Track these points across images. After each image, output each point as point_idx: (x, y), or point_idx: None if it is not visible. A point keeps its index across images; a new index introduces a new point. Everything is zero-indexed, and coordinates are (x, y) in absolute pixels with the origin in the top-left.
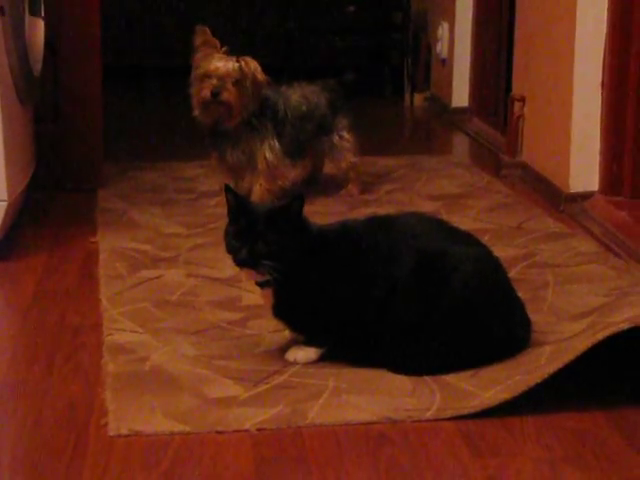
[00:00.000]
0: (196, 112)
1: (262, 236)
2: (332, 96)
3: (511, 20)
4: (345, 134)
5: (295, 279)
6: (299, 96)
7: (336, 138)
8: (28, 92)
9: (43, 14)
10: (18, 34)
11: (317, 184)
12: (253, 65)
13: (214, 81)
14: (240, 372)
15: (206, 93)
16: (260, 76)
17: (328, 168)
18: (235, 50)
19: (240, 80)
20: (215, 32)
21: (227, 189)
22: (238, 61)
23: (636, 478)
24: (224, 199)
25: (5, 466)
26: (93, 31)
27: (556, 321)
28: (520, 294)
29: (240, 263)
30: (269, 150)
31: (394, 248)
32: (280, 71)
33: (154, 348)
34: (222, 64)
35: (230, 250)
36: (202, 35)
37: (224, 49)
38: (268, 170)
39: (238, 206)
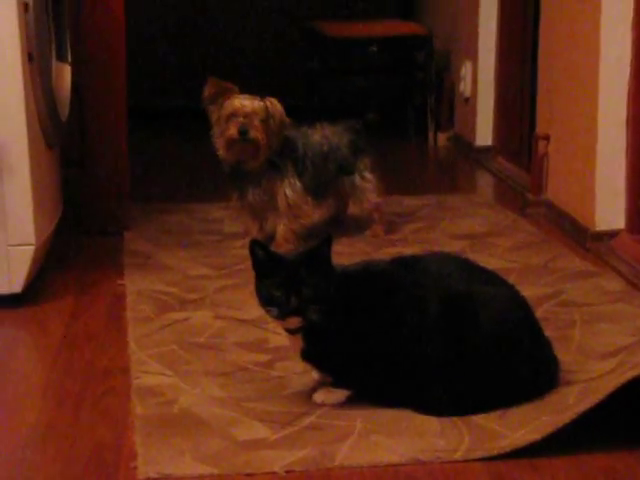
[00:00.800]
0: (221, 152)
1: (305, 282)
2: (354, 137)
3: (535, 59)
4: (367, 174)
5: (325, 321)
6: (320, 136)
7: (358, 179)
8: (55, 136)
9: (70, 59)
10: (46, 80)
11: (341, 225)
12: (278, 106)
13: (241, 119)
14: (268, 414)
15: (233, 132)
16: (284, 117)
17: (352, 209)
18: (254, 92)
19: (266, 119)
20: (236, 73)
21: (254, 243)
22: (263, 101)
23: None
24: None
25: None
26: (118, 75)
27: (584, 360)
28: (547, 333)
29: (290, 312)
30: (289, 188)
31: (420, 289)
32: (302, 111)
33: (182, 391)
34: (248, 102)
35: (272, 303)
36: (214, 86)
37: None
38: (289, 209)
39: (269, 259)
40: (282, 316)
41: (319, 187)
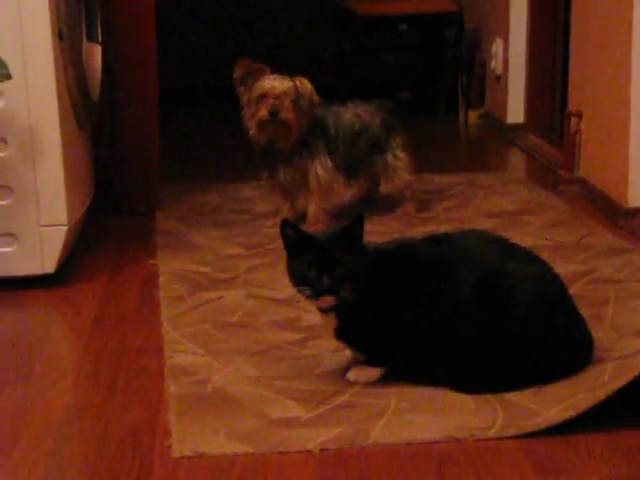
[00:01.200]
0: (252, 133)
1: (337, 261)
2: (386, 115)
3: (566, 35)
4: (399, 153)
5: (360, 300)
6: (351, 115)
7: (390, 157)
8: (86, 117)
9: (100, 39)
10: (76, 60)
11: (373, 203)
12: (308, 85)
13: (271, 100)
14: (302, 392)
15: (264, 113)
16: (314, 96)
17: (383, 187)
18: (286, 71)
19: (296, 99)
20: (268, 53)
21: (285, 224)
22: (293, 80)
23: None
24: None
25: None
26: (149, 56)
27: (618, 337)
28: (581, 311)
29: (323, 291)
30: (321, 167)
31: (454, 266)
32: (333, 91)
33: (216, 370)
34: (278, 83)
35: (305, 282)
36: (244, 67)
37: (270, 71)
38: (321, 188)
39: (300, 238)
40: (315, 295)
41: (351, 166)
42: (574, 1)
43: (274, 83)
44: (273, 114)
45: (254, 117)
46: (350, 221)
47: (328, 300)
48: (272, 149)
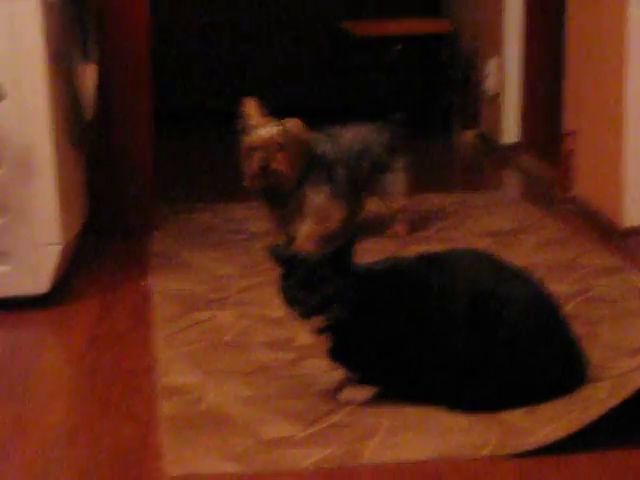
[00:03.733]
0: (247, 183)
1: (327, 281)
2: (389, 135)
3: (561, 55)
4: (401, 175)
5: (351, 321)
6: (352, 135)
7: (391, 178)
8: (81, 137)
9: (95, 59)
10: (70, 79)
11: (363, 223)
12: (296, 126)
13: (260, 153)
14: (294, 412)
15: (255, 167)
16: (305, 135)
17: (377, 206)
18: (284, 93)
19: (285, 144)
20: (264, 75)
21: (274, 246)
22: (281, 124)
23: None
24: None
25: None
26: (143, 75)
27: (613, 357)
28: (576, 330)
29: (312, 311)
30: (317, 195)
31: (446, 286)
32: (330, 113)
33: (208, 389)
34: (265, 131)
35: (295, 302)
36: (248, 107)
37: (266, 112)
38: (316, 214)
39: (290, 260)
40: (305, 316)
41: (351, 189)
42: (569, 21)
43: (260, 133)
44: (263, 168)
45: (247, 170)
46: (342, 242)
47: (318, 321)
48: (270, 191)
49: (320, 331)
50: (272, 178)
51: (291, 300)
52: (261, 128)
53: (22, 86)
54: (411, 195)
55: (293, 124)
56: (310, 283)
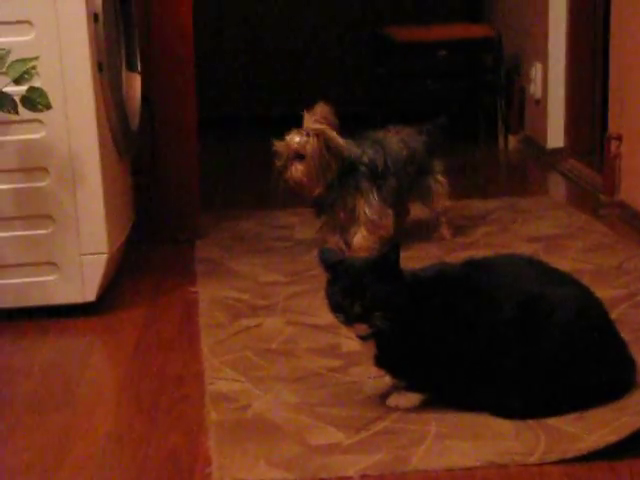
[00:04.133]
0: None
1: (370, 289)
2: (429, 139)
3: (605, 58)
4: (440, 177)
5: (397, 328)
6: (398, 140)
7: (432, 181)
8: (126, 146)
9: (140, 69)
10: (116, 89)
11: (408, 228)
12: (324, 134)
13: (277, 161)
14: (342, 419)
15: (275, 172)
16: (334, 142)
17: (419, 210)
18: (326, 100)
19: (306, 154)
20: (307, 81)
21: (323, 250)
22: (308, 134)
23: None
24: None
25: None
26: (188, 84)
27: None
28: (623, 335)
29: (354, 319)
30: (368, 205)
31: (494, 291)
32: (373, 117)
33: (256, 396)
34: (285, 142)
35: (339, 309)
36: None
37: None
38: (369, 224)
39: (337, 265)
40: (348, 323)
41: (402, 193)
42: (613, 24)
43: (281, 142)
44: (278, 174)
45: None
46: (386, 249)
47: (362, 328)
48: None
49: (365, 338)
50: (290, 184)
51: (335, 307)
52: (288, 135)
53: (68, 96)
54: (452, 199)
55: (321, 133)
56: (353, 290)
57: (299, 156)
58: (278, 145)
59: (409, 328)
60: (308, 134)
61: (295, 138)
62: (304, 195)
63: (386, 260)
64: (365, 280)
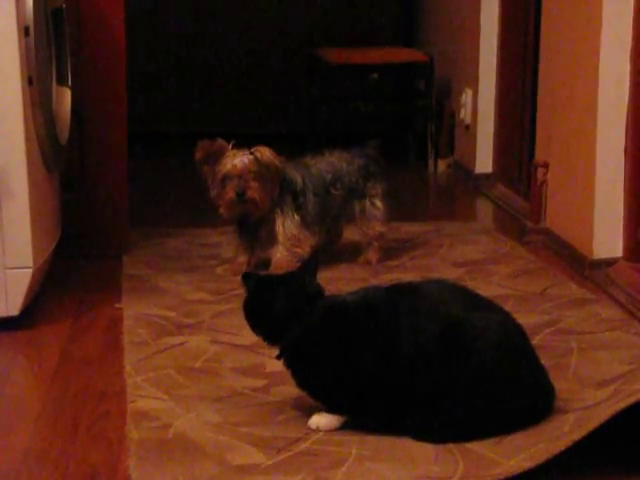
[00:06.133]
0: (222, 211)
1: (278, 304)
2: (364, 162)
3: (534, 87)
4: (377, 202)
5: (312, 350)
6: (325, 165)
7: (368, 204)
8: (55, 160)
9: (70, 83)
10: (45, 103)
11: (336, 250)
12: (267, 153)
13: (235, 182)
14: (263, 439)
15: (231, 195)
16: (277, 162)
17: (353, 234)
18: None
19: (259, 172)
20: (236, 100)
21: (245, 277)
22: (253, 153)
23: None
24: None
25: None
26: (119, 99)
27: (580, 389)
28: (544, 361)
29: (263, 335)
30: (287, 223)
31: (416, 316)
32: (304, 139)
33: (177, 415)
34: (238, 160)
35: (256, 327)
36: (204, 149)
37: (232, 144)
38: (287, 242)
39: (254, 285)
40: (264, 340)
41: (325, 216)
42: (542, 54)
43: (234, 162)
44: (239, 195)
45: (222, 198)
46: (300, 266)
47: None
48: (244, 219)
49: (278, 357)
50: (247, 206)
51: (252, 325)
52: (233, 157)
53: None
54: (389, 222)
55: (264, 152)
56: (265, 307)
57: (254, 175)
58: (231, 168)
59: (329, 352)
60: (252, 153)
61: (244, 157)
62: (251, 218)
63: (298, 276)
64: (274, 295)
